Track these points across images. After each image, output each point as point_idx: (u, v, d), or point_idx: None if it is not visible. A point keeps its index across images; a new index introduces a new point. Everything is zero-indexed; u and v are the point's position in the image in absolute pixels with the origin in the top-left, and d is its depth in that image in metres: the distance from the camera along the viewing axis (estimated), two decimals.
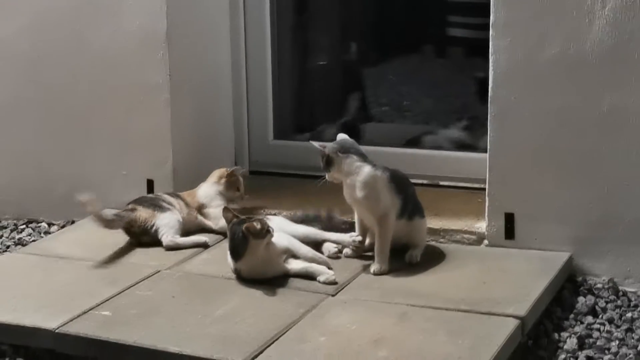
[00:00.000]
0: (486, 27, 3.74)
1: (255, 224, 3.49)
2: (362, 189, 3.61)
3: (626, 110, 3.61)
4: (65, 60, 4.40)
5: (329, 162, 3.65)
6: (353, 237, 3.76)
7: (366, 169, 3.62)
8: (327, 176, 3.67)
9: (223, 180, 4.08)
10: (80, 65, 4.38)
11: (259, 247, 3.50)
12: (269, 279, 3.54)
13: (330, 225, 3.88)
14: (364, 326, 3.20)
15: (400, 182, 3.69)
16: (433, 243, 3.88)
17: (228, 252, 3.58)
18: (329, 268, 3.58)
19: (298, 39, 5.04)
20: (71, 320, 3.28)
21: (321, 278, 3.53)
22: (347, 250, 3.77)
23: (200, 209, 4.05)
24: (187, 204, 4.04)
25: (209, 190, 4.08)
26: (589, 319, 3.50)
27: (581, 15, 3.60)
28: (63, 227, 4.42)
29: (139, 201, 3.99)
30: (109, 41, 4.31)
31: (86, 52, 4.35)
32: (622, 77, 3.60)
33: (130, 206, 3.97)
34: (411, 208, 3.71)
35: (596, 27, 3.59)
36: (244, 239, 3.49)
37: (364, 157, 3.66)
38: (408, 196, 3.70)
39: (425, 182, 4.32)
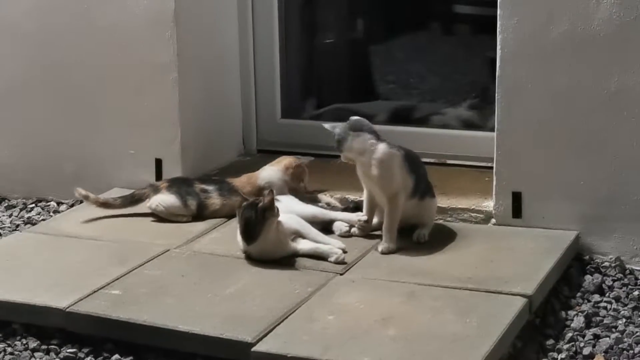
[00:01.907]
0: (494, 3, 3.74)
1: (267, 201, 3.50)
2: (378, 167, 3.62)
3: (634, 88, 3.61)
4: (73, 40, 4.40)
5: (340, 142, 3.64)
6: (359, 216, 3.77)
7: (382, 146, 3.63)
8: (341, 157, 3.68)
9: (290, 171, 4.05)
10: (88, 44, 4.38)
11: (272, 227, 3.51)
12: (278, 259, 3.56)
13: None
14: (372, 305, 3.22)
15: (413, 162, 3.70)
16: (441, 221, 3.89)
17: (239, 235, 3.59)
18: (344, 252, 3.59)
19: (306, 17, 5.04)
20: (81, 300, 3.31)
21: (331, 258, 3.54)
22: (354, 230, 3.79)
23: (260, 190, 3.92)
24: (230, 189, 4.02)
25: (273, 176, 4.04)
26: (596, 297, 3.51)
27: None
28: (72, 206, 4.43)
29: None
30: (116, 21, 4.31)
31: (94, 31, 4.35)
32: (630, 56, 3.60)
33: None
34: (423, 188, 3.72)
35: (604, 6, 3.58)
36: (260, 219, 3.48)
37: (377, 136, 3.66)
38: (420, 176, 3.71)
39: (432, 160, 4.33)
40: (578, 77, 3.67)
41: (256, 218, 3.49)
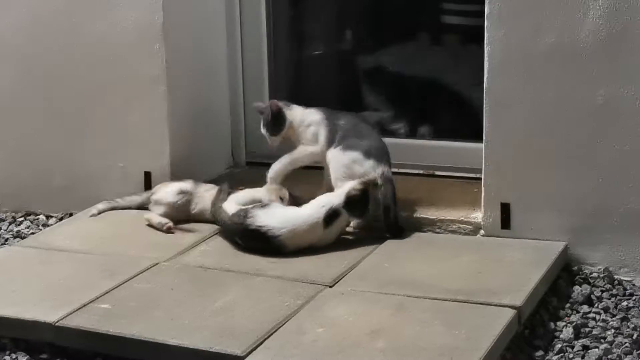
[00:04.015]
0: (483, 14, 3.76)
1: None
2: None
3: (620, 100, 3.63)
4: (62, 54, 4.41)
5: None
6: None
7: None
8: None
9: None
10: (77, 58, 4.39)
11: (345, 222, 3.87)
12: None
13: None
14: (362, 317, 3.23)
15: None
16: (429, 233, 3.91)
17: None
18: None
19: (294, 28, 5.05)
20: (71, 314, 3.30)
21: None
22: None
23: None
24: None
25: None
26: (585, 308, 3.52)
27: (575, 6, 3.61)
28: (61, 219, 4.44)
29: None
30: (105, 34, 4.32)
31: (83, 45, 4.36)
32: (616, 68, 3.62)
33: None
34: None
35: (590, 18, 3.60)
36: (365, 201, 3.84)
37: None
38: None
39: (421, 172, 4.34)
40: (565, 88, 3.69)
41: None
